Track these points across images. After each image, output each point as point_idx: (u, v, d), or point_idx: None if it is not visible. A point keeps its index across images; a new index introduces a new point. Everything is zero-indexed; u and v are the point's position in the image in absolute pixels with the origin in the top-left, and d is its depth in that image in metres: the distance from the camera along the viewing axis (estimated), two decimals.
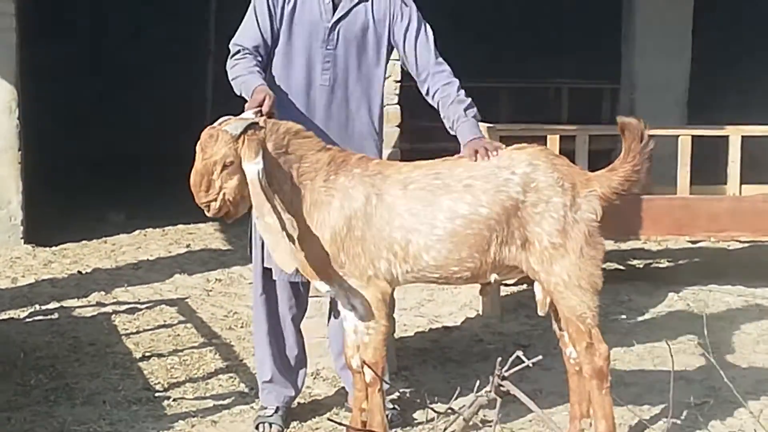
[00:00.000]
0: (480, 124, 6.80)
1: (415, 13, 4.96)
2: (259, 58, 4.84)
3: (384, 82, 5.03)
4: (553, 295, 4.57)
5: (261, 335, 5.09)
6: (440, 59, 4.94)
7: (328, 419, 4.58)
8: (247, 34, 4.89)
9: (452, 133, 4.82)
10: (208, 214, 4.47)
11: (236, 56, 4.84)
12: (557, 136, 7.08)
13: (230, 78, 4.83)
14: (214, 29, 12.41)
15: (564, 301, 4.54)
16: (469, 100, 4.86)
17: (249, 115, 4.46)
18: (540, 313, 4.70)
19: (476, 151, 4.58)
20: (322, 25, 4.86)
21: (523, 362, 3.45)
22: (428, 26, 4.97)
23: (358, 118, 4.95)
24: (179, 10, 13.46)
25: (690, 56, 10.41)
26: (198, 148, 4.41)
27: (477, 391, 3.41)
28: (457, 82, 4.90)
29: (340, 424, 4.62)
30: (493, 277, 4.64)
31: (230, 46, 4.89)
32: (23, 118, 8.48)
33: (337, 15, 4.86)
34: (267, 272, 4.98)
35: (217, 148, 4.35)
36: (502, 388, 3.22)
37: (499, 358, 3.30)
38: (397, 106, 5.85)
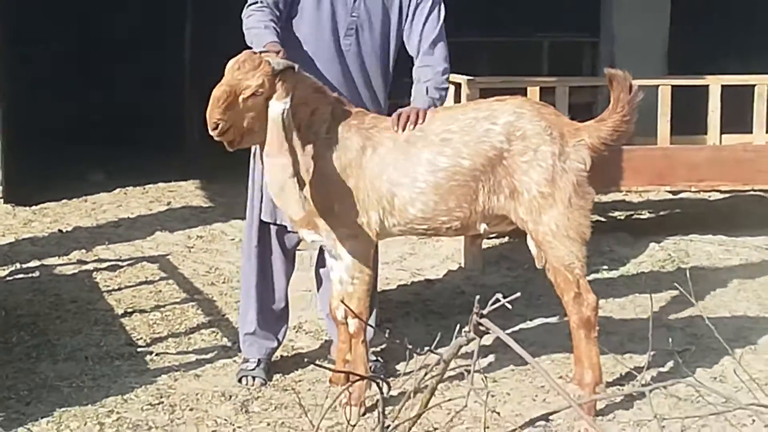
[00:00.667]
0: (459, 76, 6.85)
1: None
2: (277, 13, 4.81)
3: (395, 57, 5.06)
4: (542, 245, 4.57)
5: (248, 287, 5.10)
6: (442, 42, 4.95)
7: (314, 364, 4.57)
8: None
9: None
10: (212, 134, 4.38)
11: (253, 6, 4.81)
12: (537, 88, 7.06)
13: (244, 27, 4.78)
14: None
15: (552, 251, 4.55)
16: (442, 88, 4.88)
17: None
18: (538, 266, 4.70)
19: (399, 117, 4.61)
20: None
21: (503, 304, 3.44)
22: (442, 6, 4.99)
23: (373, 88, 4.99)
24: None
25: (669, 9, 10.37)
26: (233, 65, 4.37)
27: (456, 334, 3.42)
28: (444, 68, 4.91)
29: (324, 368, 4.60)
30: (483, 227, 4.65)
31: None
32: (2, 80, 8.40)
33: None
34: (263, 225, 4.99)
35: (255, 74, 4.33)
36: (480, 327, 3.21)
37: (477, 296, 3.29)
38: None
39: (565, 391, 3.97)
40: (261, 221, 4.98)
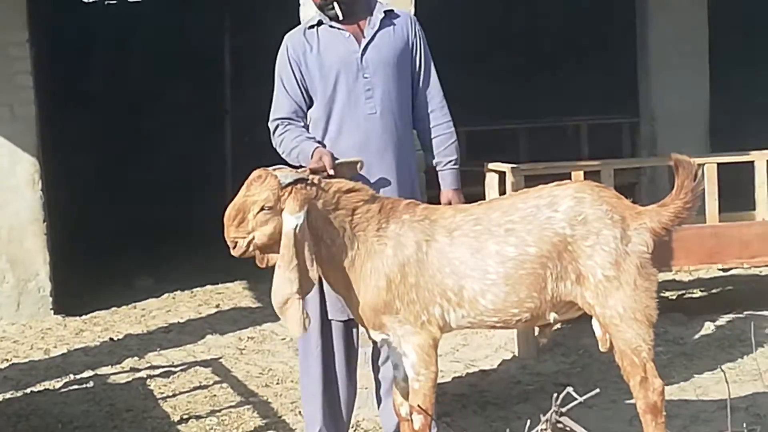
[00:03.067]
0: (503, 165, 6.87)
1: (425, 45, 5.07)
2: (301, 124, 4.92)
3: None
4: (609, 329, 4.53)
5: (313, 389, 5.05)
6: (444, 101, 5.07)
7: None
8: (282, 104, 4.96)
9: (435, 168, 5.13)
10: (232, 253, 4.47)
11: (278, 130, 4.93)
12: (581, 173, 7.04)
13: (282, 153, 4.91)
14: (230, 90, 12.49)
15: (619, 334, 4.50)
16: (457, 152, 5.15)
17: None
18: (602, 349, 4.65)
19: (449, 201, 4.96)
20: (353, 56, 4.91)
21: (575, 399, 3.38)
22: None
23: (407, 144, 5.04)
24: (196, 75, 13.57)
25: (708, 86, 10.38)
26: (245, 183, 4.44)
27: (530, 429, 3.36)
28: (453, 130, 5.12)
29: None
30: (553, 316, 4.61)
31: (269, 124, 4.97)
32: (46, 190, 8.50)
33: (363, 43, 4.92)
34: (325, 326, 4.98)
35: (261, 189, 4.38)
36: (558, 426, 3.15)
37: (555, 394, 3.23)
38: (421, 152, 5.84)
39: None
40: (323, 322, 4.95)
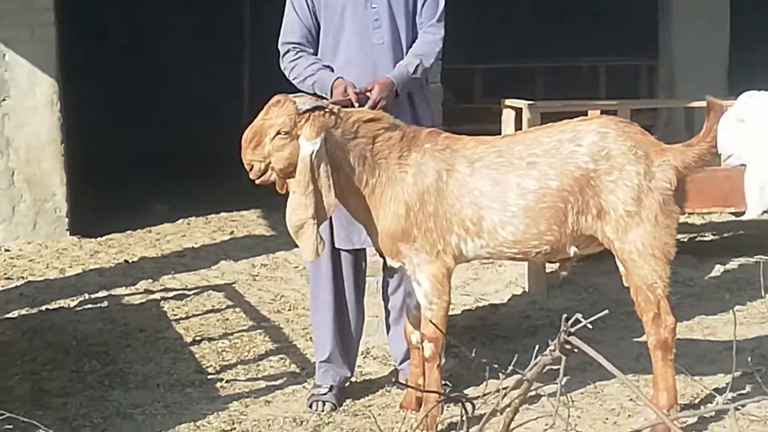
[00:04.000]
0: (520, 101, 6.88)
1: None
2: (311, 51, 4.94)
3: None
4: (626, 264, 4.58)
5: (324, 315, 5.12)
6: (440, 23, 5.00)
7: (399, 383, 4.54)
8: (293, 29, 4.97)
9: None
10: (251, 176, 4.54)
11: (289, 55, 4.94)
12: (598, 112, 7.04)
13: (294, 79, 4.92)
14: (249, 20, 12.46)
15: (636, 269, 4.56)
16: (428, 61, 4.92)
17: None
18: (625, 284, 4.68)
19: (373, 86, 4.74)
20: None
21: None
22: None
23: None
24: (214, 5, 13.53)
25: (728, 31, 10.33)
26: (264, 107, 4.50)
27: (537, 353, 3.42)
28: (436, 45, 4.96)
29: (404, 386, 4.57)
30: (573, 250, 4.66)
31: (279, 47, 4.98)
32: (65, 112, 8.53)
33: None
34: (335, 254, 5.03)
35: (279, 113, 4.44)
36: (567, 346, 3.21)
37: (564, 315, 3.29)
38: (440, 84, 5.87)
39: (656, 407, 3.95)
40: (333, 250, 5.01)
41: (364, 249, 5.04)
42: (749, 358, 5.21)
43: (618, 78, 11.63)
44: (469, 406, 3.27)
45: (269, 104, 4.48)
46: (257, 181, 4.58)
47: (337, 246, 4.99)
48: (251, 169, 4.52)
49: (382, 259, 4.78)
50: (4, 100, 8.38)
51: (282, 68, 4.97)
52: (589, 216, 4.53)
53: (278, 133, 4.42)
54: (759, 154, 5.19)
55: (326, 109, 4.48)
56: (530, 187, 4.53)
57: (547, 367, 3.42)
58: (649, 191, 4.51)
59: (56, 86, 8.45)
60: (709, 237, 8.38)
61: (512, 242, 4.58)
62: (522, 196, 4.53)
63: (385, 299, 5.29)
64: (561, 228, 4.55)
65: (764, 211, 7.40)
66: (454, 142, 4.64)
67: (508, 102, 7.12)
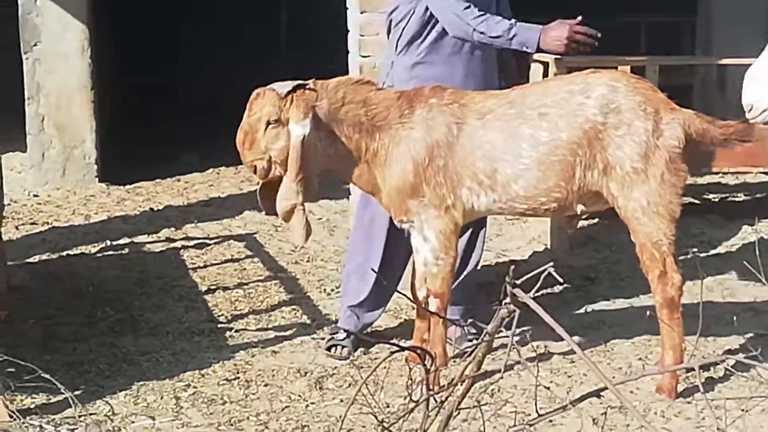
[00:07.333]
0: (547, 55, 6.79)
1: None
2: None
3: None
4: (630, 222, 4.53)
5: (368, 260, 5.08)
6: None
7: (388, 343, 4.51)
8: None
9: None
10: (257, 177, 4.52)
11: (470, 11, 4.75)
12: (627, 68, 6.93)
13: (493, 36, 4.72)
14: None
15: (641, 227, 4.50)
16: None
17: None
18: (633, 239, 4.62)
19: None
20: None
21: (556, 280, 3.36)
22: None
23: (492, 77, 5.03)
24: None
25: None
26: (247, 106, 4.45)
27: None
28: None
29: (400, 348, 4.54)
30: (580, 207, 4.61)
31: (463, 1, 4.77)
32: (96, 58, 8.52)
33: None
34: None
35: (262, 104, 4.40)
36: (520, 300, 3.16)
37: (512, 266, 3.23)
38: None
39: (599, 369, 3.89)
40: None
41: None
42: (757, 329, 5.12)
43: (661, 36, 11.44)
44: (428, 359, 3.24)
45: (250, 101, 4.45)
46: (264, 181, 4.52)
47: None
48: (255, 170, 4.49)
49: None
50: (35, 45, 8.36)
51: (475, 28, 4.74)
52: (596, 171, 4.47)
53: (268, 123, 4.39)
54: None
55: (306, 86, 4.42)
56: (542, 139, 4.47)
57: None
58: (656, 148, 4.43)
59: (87, 32, 8.42)
60: (741, 197, 8.25)
61: (523, 197, 4.53)
62: (534, 147, 4.47)
63: None
64: (568, 184, 4.49)
65: None
66: (461, 96, 4.58)
67: (535, 56, 7.00)
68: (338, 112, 4.45)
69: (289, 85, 4.40)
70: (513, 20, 4.78)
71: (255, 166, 4.47)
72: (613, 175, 4.46)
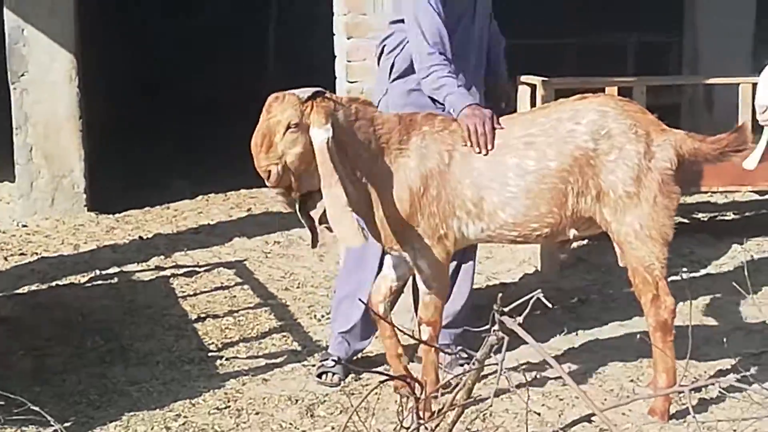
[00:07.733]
0: (534, 77, 6.81)
1: None
2: (449, 55, 4.76)
3: None
4: (623, 246, 4.50)
5: (358, 288, 5.05)
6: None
7: (380, 373, 4.48)
8: (434, 29, 4.75)
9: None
10: (268, 184, 4.34)
11: (436, 65, 4.70)
12: (615, 89, 6.94)
13: (440, 92, 4.70)
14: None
15: (633, 251, 4.48)
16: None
17: None
18: (621, 264, 4.63)
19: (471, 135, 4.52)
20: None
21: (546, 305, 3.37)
22: None
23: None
24: None
25: (755, 5, 10.17)
26: (264, 109, 4.32)
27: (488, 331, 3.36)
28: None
29: (390, 377, 4.53)
30: (572, 232, 4.58)
31: (428, 50, 4.72)
32: (84, 86, 8.52)
33: None
34: None
35: (282, 108, 4.26)
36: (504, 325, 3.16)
37: (500, 294, 3.23)
38: None
39: (585, 393, 3.86)
40: None
41: None
42: (748, 348, 5.11)
43: (648, 55, 11.48)
44: (417, 387, 3.22)
45: (268, 103, 4.30)
46: (275, 191, 4.40)
47: None
48: (268, 175, 4.30)
49: None
50: (22, 75, 8.38)
51: (426, 79, 4.73)
52: (589, 197, 4.45)
53: (288, 127, 4.24)
54: None
55: (326, 94, 4.38)
56: (529, 168, 4.45)
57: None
58: (648, 171, 4.42)
59: (75, 61, 8.43)
60: (730, 216, 8.26)
61: (512, 224, 4.50)
62: (522, 176, 4.45)
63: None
64: (561, 210, 4.46)
65: None
66: (450, 123, 4.56)
67: (523, 78, 7.04)
68: (352, 126, 4.39)
69: (309, 91, 4.33)
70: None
71: (269, 171, 4.31)
72: (606, 200, 4.44)
